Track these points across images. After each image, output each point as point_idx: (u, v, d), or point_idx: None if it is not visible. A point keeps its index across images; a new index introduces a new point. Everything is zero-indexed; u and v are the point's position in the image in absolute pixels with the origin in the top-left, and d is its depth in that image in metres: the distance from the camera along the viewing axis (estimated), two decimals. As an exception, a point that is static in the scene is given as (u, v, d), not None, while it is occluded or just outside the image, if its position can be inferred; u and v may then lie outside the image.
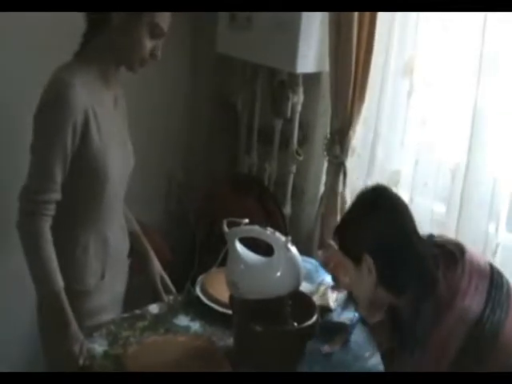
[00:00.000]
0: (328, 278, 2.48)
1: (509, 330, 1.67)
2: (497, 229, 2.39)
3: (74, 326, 1.95)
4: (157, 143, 3.17)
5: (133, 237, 2.32)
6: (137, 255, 2.33)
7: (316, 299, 2.23)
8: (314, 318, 1.97)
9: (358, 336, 2.21)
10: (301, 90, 2.96)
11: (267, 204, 3.08)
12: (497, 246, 2.39)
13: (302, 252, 2.09)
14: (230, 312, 2.11)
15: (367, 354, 2.12)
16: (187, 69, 3.29)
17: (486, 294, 1.70)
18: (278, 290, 1.99)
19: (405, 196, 2.35)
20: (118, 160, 2.07)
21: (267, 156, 3.19)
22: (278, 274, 1.97)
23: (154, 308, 2.26)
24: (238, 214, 2.06)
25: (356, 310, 2.25)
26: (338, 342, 2.15)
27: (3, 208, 2.00)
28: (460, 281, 1.71)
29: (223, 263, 2.09)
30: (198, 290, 2.32)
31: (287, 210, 3.11)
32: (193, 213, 3.35)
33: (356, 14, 2.56)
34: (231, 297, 2.07)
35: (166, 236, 3.16)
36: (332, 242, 2.59)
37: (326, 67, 2.75)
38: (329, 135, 2.82)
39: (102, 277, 2.14)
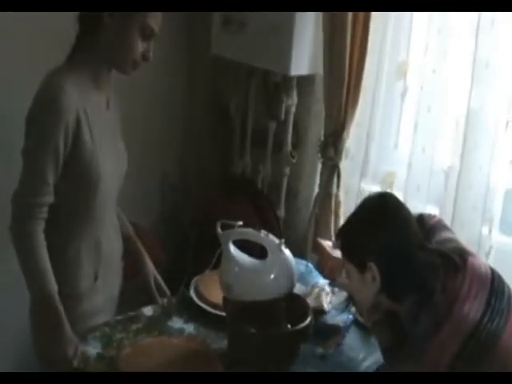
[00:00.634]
0: (322, 280, 2.48)
1: (507, 338, 1.68)
2: (490, 231, 2.41)
3: (68, 328, 1.94)
4: (151, 145, 3.17)
5: (126, 239, 2.31)
6: (130, 257, 2.33)
7: (310, 301, 2.22)
8: (308, 320, 1.97)
9: (352, 338, 2.21)
10: (294, 92, 2.97)
11: (261, 206, 3.09)
12: (490, 248, 2.41)
13: (296, 254, 2.10)
14: (223, 314, 2.11)
15: (361, 357, 2.12)
16: (182, 71, 3.29)
17: (485, 302, 1.70)
18: (271, 292, 1.99)
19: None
20: (111, 162, 2.07)
21: (261, 158, 3.19)
22: (272, 276, 1.98)
23: (147, 310, 2.25)
24: (232, 216, 2.06)
25: (352, 311, 2.25)
26: (331, 344, 2.15)
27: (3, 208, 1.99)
28: (460, 288, 1.71)
29: (217, 265, 2.09)
30: (191, 292, 2.32)
31: (281, 212, 3.12)
32: (187, 215, 3.35)
33: (350, 16, 2.57)
34: (225, 299, 2.07)
35: (160, 238, 3.16)
36: (325, 243, 2.59)
37: (320, 70, 2.76)
38: (322, 137, 2.82)
39: (95, 279, 2.14)
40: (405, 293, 1.78)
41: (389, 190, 2.57)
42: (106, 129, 2.07)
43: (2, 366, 2.70)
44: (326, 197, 2.85)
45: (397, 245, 1.78)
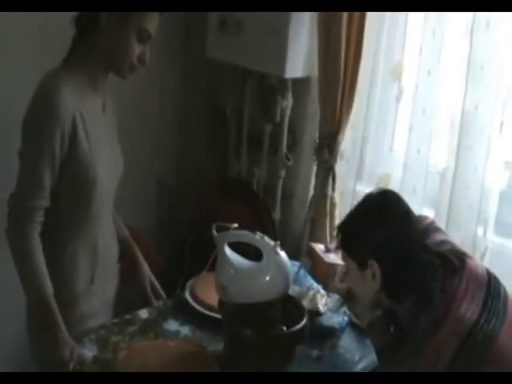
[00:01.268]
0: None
1: (503, 339, 1.68)
2: (485, 232, 2.41)
3: (64, 331, 1.94)
4: (147, 148, 3.17)
5: (122, 242, 2.31)
6: (126, 260, 2.33)
7: (305, 303, 2.23)
8: (303, 323, 1.97)
9: (347, 340, 2.22)
10: (290, 94, 2.97)
11: (257, 208, 3.08)
12: (485, 249, 2.41)
13: (291, 256, 2.10)
14: (219, 316, 2.11)
15: (356, 358, 2.13)
16: (177, 73, 3.29)
17: (482, 303, 1.71)
18: (267, 294, 1.99)
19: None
20: (107, 165, 2.07)
21: (257, 160, 3.19)
22: (267, 278, 1.98)
23: (143, 313, 2.25)
24: (228, 218, 2.06)
25: (346, 312, 2.26)
26: (327, 346, 2.15)
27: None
28: (457, 289, 1.71)
29: (213, 268, 2.10)
30: (187, 295, 2.32)
31: (277, 214, 3.12)
32: (183, 217, 3.35)
33: (345, 18, 2.57)
34: (220, 301, 2.07)
35: (156, 241, 3.16)
36: (317, 247, 2.59)
37: (315, 72, 2.76)
38: (318, 139, 2.83)
39: (92, 282, 2.14)
40: (405, 293, 1.78)
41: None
42: (103, 132, 2.07)
43: (1, 366, 2.71)
44: (322, 199, 2.85)
45: (399, 243, 1.77)
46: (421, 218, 2.00)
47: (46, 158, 1.90)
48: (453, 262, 1.77)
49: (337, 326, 2.24)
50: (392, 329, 1.90)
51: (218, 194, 3.23)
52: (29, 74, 1.99)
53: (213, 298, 2.14)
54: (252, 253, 2.06)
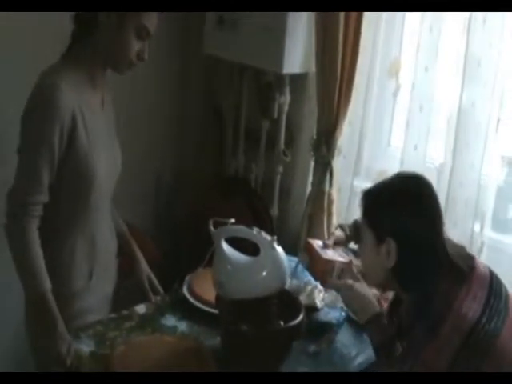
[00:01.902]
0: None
1: (504, 339, 1.68)
2: (482, 228, 2.42)
3: (62, 326, 1.95)
4: (144, 144, 3.17)
5: (120, 237, 2.32)
6: (124, 256, 2.33)
7: (302, 299, 2.23)
8: (300, 318, 1.97)
9: (345, 335, 2.22)
10: (287, 90, 2.98)
11: (254, 204, 3.09)
12: (482, 244, 2.42)
13: (289, 252, 2.10)
14: (216, 312, 2.11)
15: (353, 353, 2.13)
16: (174, 70, 3.29)
17: (483, 302, 1.71)
18: (264, 289, 1.99)
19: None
20: (106, 161, 2.07)
21: (254, 157, 3.20)
22: (264, 273, 1.98)
23: (141, 308, 2.26)
24: (226, 214, 2.06)
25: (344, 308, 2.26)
26: (324, 341, 2.16)
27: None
28: (460, 288, 1.72)
29: (210, 263, 2.10)
30: (184, 290, 2.33)
31: (274, 210, 3.12)
32: (180, 213, 3.36)
33: (342, 15, 2.57)
34: (218, 296, 2.07)
35: (154, 236, 3.16)
36: (315, 243, 2.60)
37: (313, 68, 2.77)
38: (315, 135, 2.83)
39: (90, 278, 2.14)
40: (414, 282, 1.78)
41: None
42: (102, 128, 2.07)
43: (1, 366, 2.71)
44: (319, 195, 2.85)
45: (423, 232, 1.77)
46: None
47: (45, 154, 1.91)
48: (462, 270, 1.77)
49: (334, 321, 2.25)
50: (394, 319, 1.92)
51: (215, 190, 3.24)
52: (28, 70, 2.00)
53: (210, 294, 2.14)
54: (249, 248, 2.06)
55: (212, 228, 2.04)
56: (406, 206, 1.79)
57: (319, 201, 2.85)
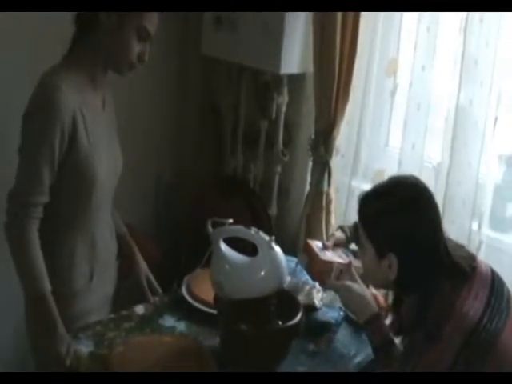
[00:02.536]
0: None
1: (505, 338, 1.69)
2: (480, 226, 2.42)
3: (61, 327, 1.95)
4: (143, 145, 3.17)
5: (120, 239, 2.32)
6: (124, 256, 2.34)
7: (301, 298, 2.23)
8: (299, 317, 1.98)
9: (343, 335, 2.22)
10: (285, 90, 2.98)
11: (253, 204, 3.09)
12: (480, 243, 2.42)
13: (287, 252, 2.10)
14: (215, 312, 2.11)
15: (352, 353, 2.14)
16: (173, 71, 3.29)
17: (485, 302, 1.71)
18: (262, 289, 2.00)
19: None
20: (106, 162, 2.08)
21: (253, 157, 3.20)
22: (262, 273, 1.98)
23: (140, 309, 2.26)
24: (224, 214, 2.06)
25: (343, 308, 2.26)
26: (323, 340, 2.16)
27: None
28: (461, 288, 1.72)
29: (208, 263, 2.10)
30: (183, 291, 2.33)
31: (273, 210, 3.13)
32: (179, 213, 3.36)
33: (339, 14, 2.57)
34: (216, 297, 2.08)
35: (153, 237, 3.16)
36: (314, 244, 2.60)
37: (310, 68, 2.77)
38: (313, 135, 2.83)
39: (90, 279, 2.14)
40: (416, 287, 1.78)
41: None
42: (102, 130, 2.08)
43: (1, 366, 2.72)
44: (317, 195, 2.86)
45: (425, 242, 1.77)
46: None
47: (46, 155, 1.91)
48: (464, 270, 1.77)
49: (332, 320, 2.25)
50: (395, 317, 1.92)
51: (214, 191, 3.24)
52: (29, 71, 2.00)
53: (209, 294, 2.15)
54: (248, 249, 2.07)
55: (210, 228, 2.04)
56: (405, 217, 1.77)
57: (317, 200, 2.86)
